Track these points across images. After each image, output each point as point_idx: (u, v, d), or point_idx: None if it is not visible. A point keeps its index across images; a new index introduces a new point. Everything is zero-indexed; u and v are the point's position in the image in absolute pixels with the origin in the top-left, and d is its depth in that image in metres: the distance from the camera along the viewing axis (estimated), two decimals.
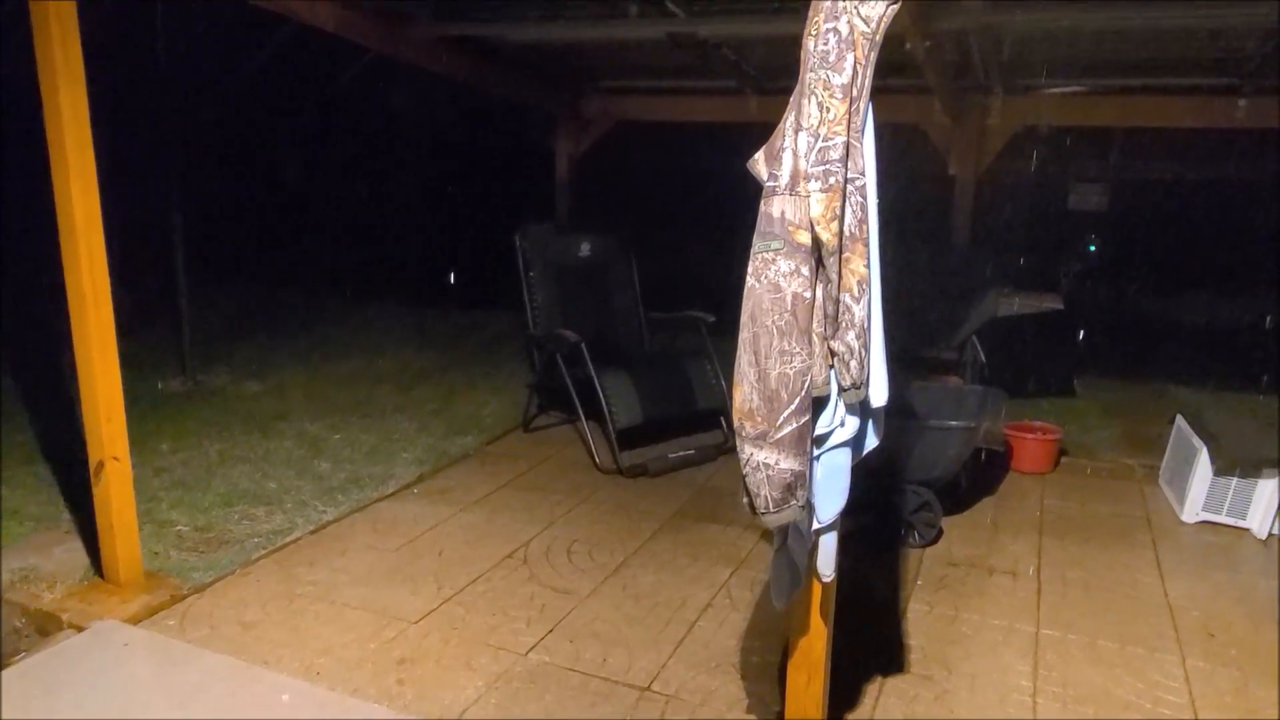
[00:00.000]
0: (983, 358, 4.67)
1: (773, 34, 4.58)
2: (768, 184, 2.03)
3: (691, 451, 4.88)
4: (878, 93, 1.99)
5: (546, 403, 5.56)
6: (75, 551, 3.61)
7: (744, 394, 2.08)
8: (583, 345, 4.69)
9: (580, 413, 4.88)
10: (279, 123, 9.35)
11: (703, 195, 8.60)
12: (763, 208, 2.04)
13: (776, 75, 5.53)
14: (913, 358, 4.55)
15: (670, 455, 4.82)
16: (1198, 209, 8.89)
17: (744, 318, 2.09)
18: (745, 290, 2.09)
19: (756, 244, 2.04)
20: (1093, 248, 9.52)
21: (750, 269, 2.07)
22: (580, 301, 5.38)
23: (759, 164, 2.10)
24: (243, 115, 8.89)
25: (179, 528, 3.93)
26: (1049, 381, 5.71)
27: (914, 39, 3.30)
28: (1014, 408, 5.07)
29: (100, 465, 3.26)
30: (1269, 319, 8.17)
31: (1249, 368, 6.55)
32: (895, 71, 4.56)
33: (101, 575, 3.38)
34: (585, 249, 5.46)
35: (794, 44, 4.70)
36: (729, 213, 8.18)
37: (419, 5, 4.47)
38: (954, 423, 3.69)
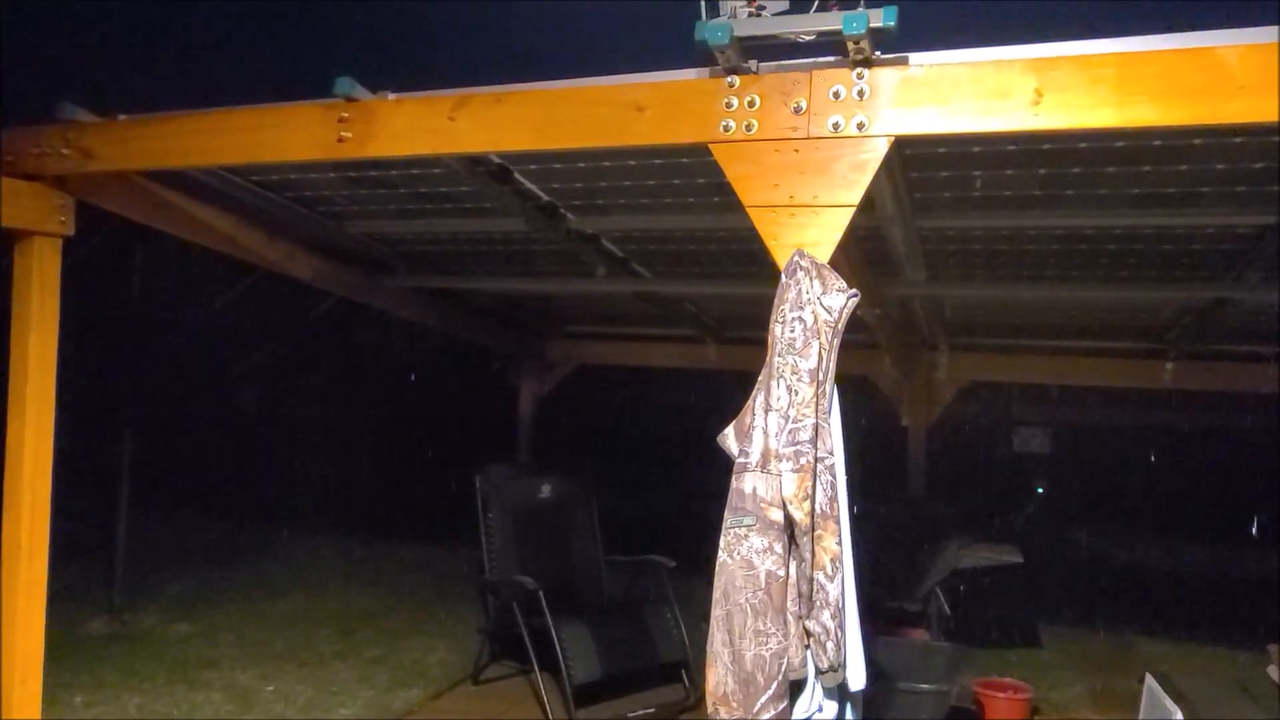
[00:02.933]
0: (947, 610, 4.61)
1: (730, 294, 4.86)
2: (739, 460, 2.07)
3: (652, 710, 4.63)
4: None
5: (499, 651, 5.29)
6: None
7: (718, 676, 2.00)
8: (540, 593, 4.54)
9: (535, 664, 4.64)
10: (242, 355, 9.48)
11: (663, 435, 8.74)
12: (734, 483, 2.06)
13: (735, 325, 5.81)
14: (875, 610, 4.48)
15: (629, 714, 4.56)
16: (1136, 453, 9.23)
17: (716, 594, 2.05)
18: (717, 565, 2.06)
19: (728, 519, 2.05)
20: (1040, 490, 9.73)
21: (722, 544, 2.06)
22: (539, 544, 5.28)
23: (729, 439, 2.15)
24: (207, 347, 9.01)
25: None
26: (1014, 632, 5.62)
27: (863, 306, 3.52)
28: (981, 661, 4.93)
29: None
30: (1218, 565, 8.29)
31: (1205, 615, 6.55)
32: (847, 329, 4.82)
33: None
34: (546, 490, 5.43)
35: (751, 301, 4.95)
36: (689, 454, 8.31)
37: (395, 259, 4.70)
38: (925, 685, 3.57)
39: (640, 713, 4.58)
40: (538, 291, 5.23)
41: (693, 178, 3.15)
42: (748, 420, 2.10)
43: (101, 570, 6.26)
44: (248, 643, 5.63)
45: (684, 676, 4.92)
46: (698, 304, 5.32)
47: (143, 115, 2.87)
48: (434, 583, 7.38)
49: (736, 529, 2.01)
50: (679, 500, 8.16)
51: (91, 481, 6.51)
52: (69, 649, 5.30)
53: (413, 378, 9.63)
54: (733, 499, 2.05)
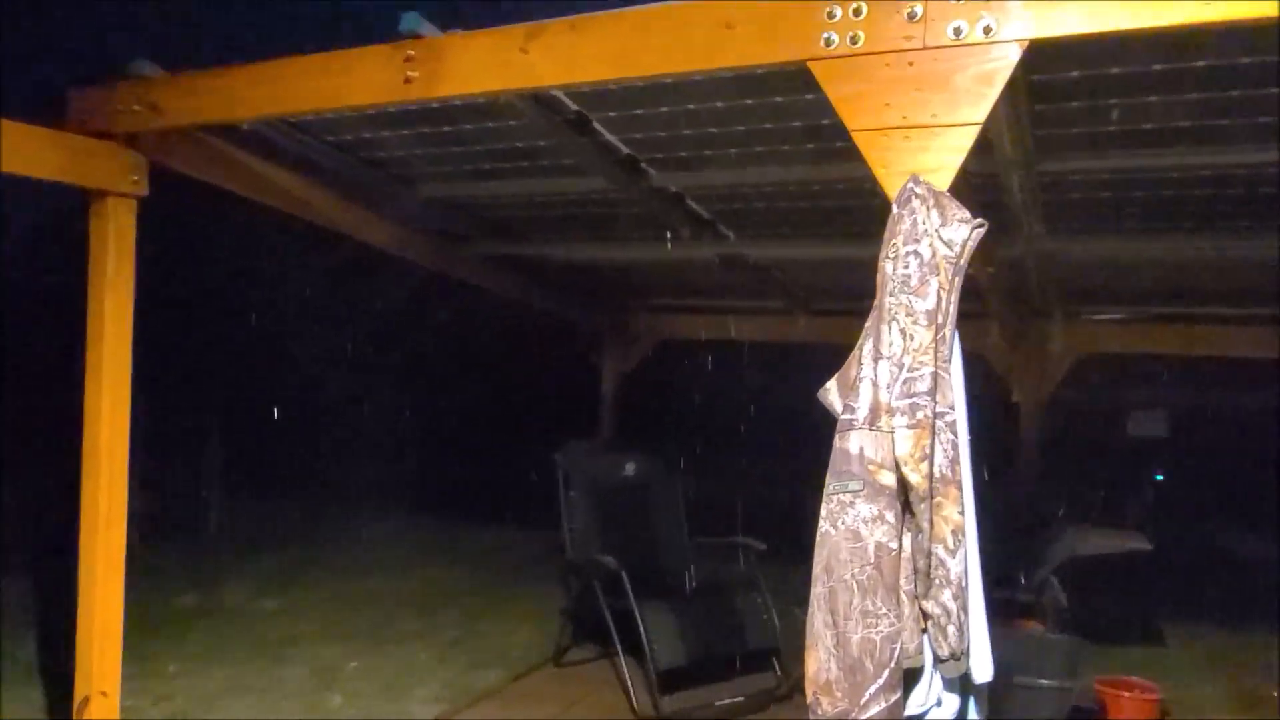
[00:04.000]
0: (1063, 601, 4.24)
1: (822, 257, 4.56)
2: (843, 417, 1.81)
3: (741, 698, 4.39)
4: None
5: (581, 634, 5.13)
6: None
7: (819, 662, 1.75)
8: (623, 573, 4.36)
9: (618, 647, 4.47)
10: (328, 333, 9.59)
11: (752, 414, 8.45)
12: (837, 443, 1.81)
13: (825, 296, 5.49)
14: (986, 599, 4.12)
15: (717, 703, 4.33)
16: (1264, 439, 8.51)
17: (817, 569, 1.80)
18: (818, 537, 1.81)
19: (831, 484, 1.79)
20: (1159, 477, 9.07)
21: (823, 512, 1.80)
22: (621, 524, 5.10)
23: (831, 394, 1.89)
24: (292, 326, 9.13)
25: None
26: (1135, 627, 5.17)
27: (975, 264, 3.20)
28: (1101, 659, 4.53)
29: (85, 701, 2.93)
30: None
31: None
32: None
33: None
34: (629, 469, 5.24)
35: (844, 266, 4.59)
36: (780, 433, 8.01)
37: (470, 226, 4.55)
38: (1045, 681, 3.23)
39: (728, 701, 4.35)
40: (619, 260, 5.01)
41: (787, 120, 2.88)
42: (853, 372, 1.84)
43: (193, 546, 6.38)
44: (330, 620, 5.64)
45: (775, 664, 4.66)
46: (787, 271, 5.02)
47: (208, 68, 2.77)
48: (515, 564, 7.31)
49: (841, 495, 1.76)
50: (768, 480, 7.89)
51: (183, 460, 6.64)
52: (162, 621, 5.40)
53: (494, 356, 9.59)
54: (836, 461, 1.79)
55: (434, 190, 4.00)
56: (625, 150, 3.29)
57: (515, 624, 5.69)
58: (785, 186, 3.57)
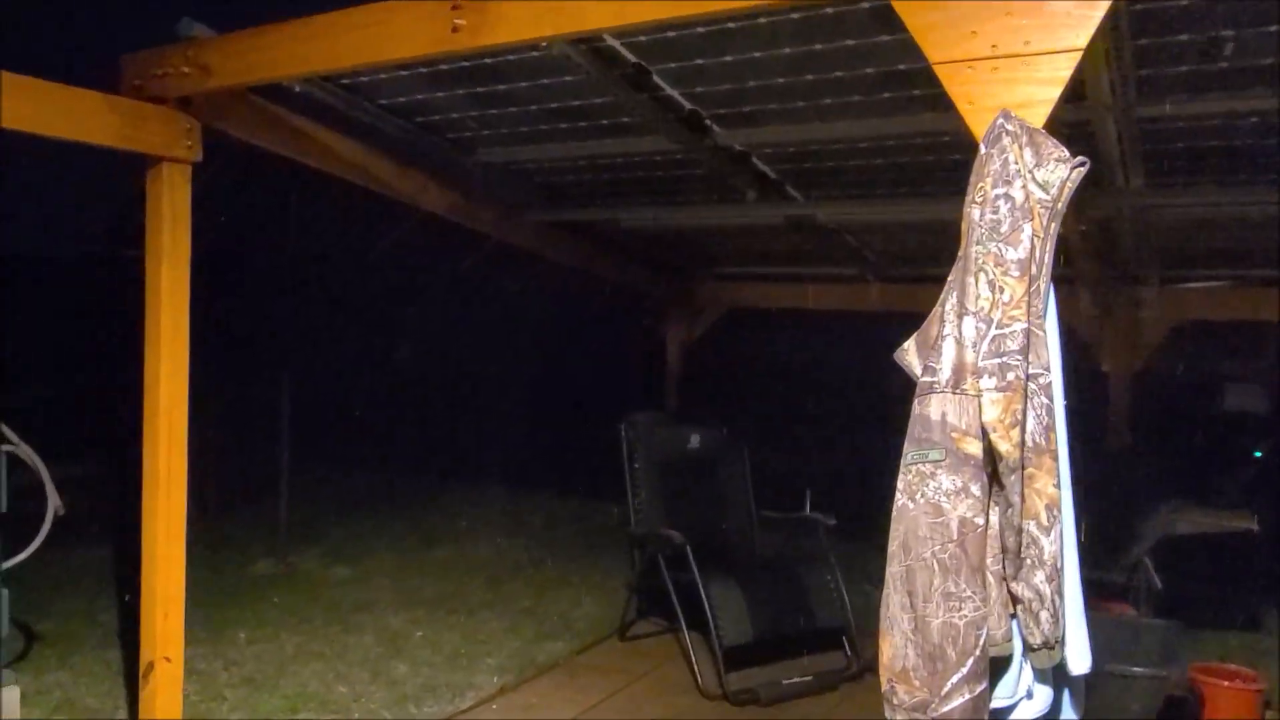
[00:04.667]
0: (1158, 583, 3.97)
1: (897, 219, 4.33)
2: (923, 379, 1.64)
3: (809, 678, 4.25)
4: None
5: (646, 608, 5.06)
6: None
7: (895, 647, 1.60)
8: (689, 548, 4.25)
9: (683, 622, 4.38)
10: (396, 303, 9.65)
11: (821, 386, 8.21)
12: (916, 408, 1.64)
13: (899, 261, 5.25)
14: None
15: (785, 681, 4.20)
16: None
17: (893, 546, 1.65)
18: (894, 511, 1.66)
19: (909, 453, 1.63)
20: (1258, 454, 8.53)
21: (901, 484, 1.64)
22: (687, 498, 4.99)
23: (909, 354, 1.72)
24: (361, 295, 9.21)
25: None
26: (1234, 612, 4.85)
27: (1066, 221, 2.96)
28: (1197, 645, 4.26)
29: (150, 666, 2.96)
30: None
31: None
32: None
33: None
34: (694, 441, 5.12)
35: (920, 229, 4.34)
36: (850, 405, 7.77)
37: (529, 191, 4.46)
38: (1137, 669, 3.01)
39: (797, 680, 4.22)
40: (683, 226, 4.86)
41: (860, 66, 2.68)
42: (934, 331, 1.67)
43: (268, 515, 6.49)
44: (400, 589, 5.67)
45: (845, 644, 4.51)
46: (858, 235, 4.79)
47: (256, 26, 2.70)
48: (582, 535, 7.27)
49: (920, 465, 1.60)
50: (836, 453, 7.66)
51: (258, 430, 6.75)
52: (237, 587, 5.50)
53: (558, 326, 9.53)
54: (914, 428, 1.63)
55: (491, 155, 3.91)
56: (687, 106, 3.14)
57: (580, 596, 5.64)
58: (856, 142, 3.37)
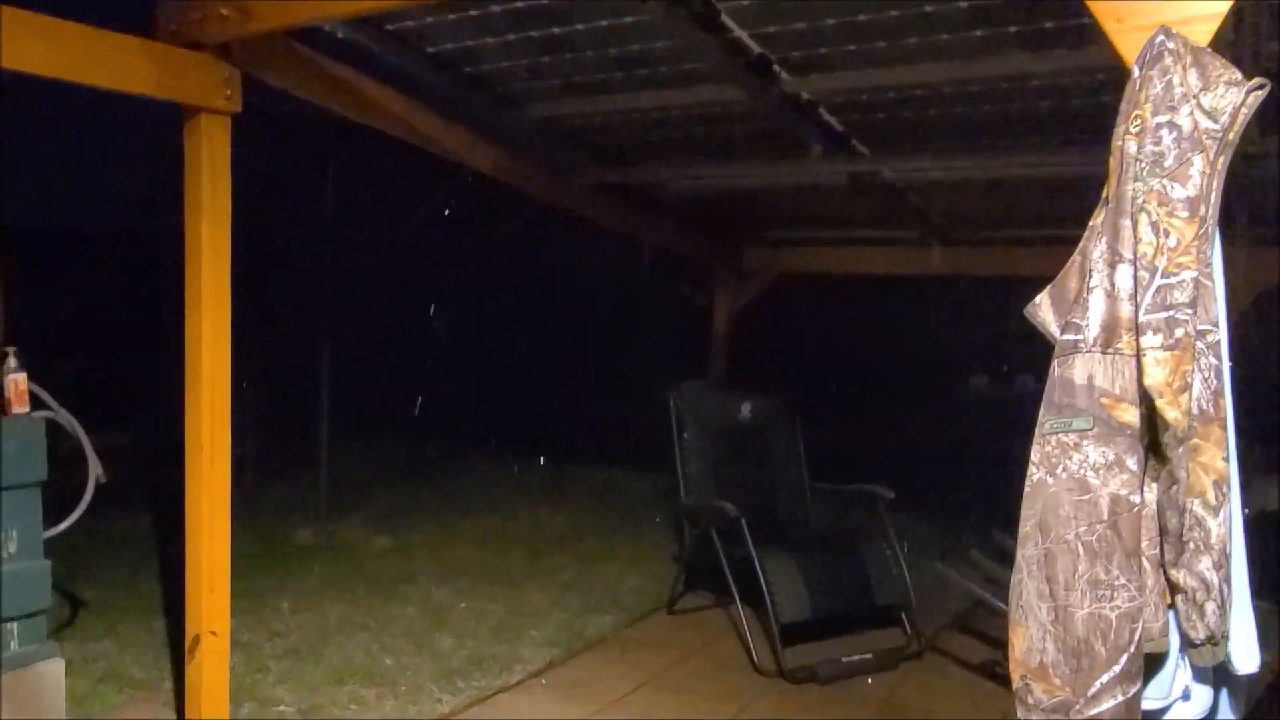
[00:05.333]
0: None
1: (969, 177, 4.07)
2: (1064, 338, 1.44)
3: (869, 656, 4.09)
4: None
5: (695, 580, 4.91)
6: None
7: (1030, 641, 1.41)
8: (742, 521, 4.09)
9: (736, 598, 4.23)
10: (435, 271, 9.52)
11: (876, 355, 7.96)
12: (1057, 370, 1.44)
13: (967, 224, 4.97)
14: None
15: (843, 659, 4.05)
16: None
17: (1026, 526, 1.45)
18: (1029, 486, 1.46)
19: (1048, 421, 1.43)
20: None
21: (1036, 455, 1.45)
22: (738, 469, 4.83)
23: (1043, 310, 1.51)
24: (400, 263, 9.09)
25: (281, 708, 3.51)
26: None
27: None
28: None
29: (196, 640, 2.86)
30: None
31: None
32: None
33: None
34: (745, 411, 4.94)
35: (995, 189, 4.04)
36: (909, 375, 7.52)
37: (578, 151, 4.26)
38: None
39: (856, 658, 4.06)
40: (736, 186, 4.64)
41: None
42: (1074, 283, 1.46)
43: (309, 485, 6.42)
44: (443, 560, 5.58)
45: (904, 621, 4.34)
46: (924, 194, 4.54)
47: None
48: (625, 507, 7.14)
49: (1062, 435, 1.40)
50: (895, 425, 7.43)
51: (292, 399, 6.66)
52: (280, 557, 5.44)
53: (603, 292, 9.35)
54: (1055, 392, 1.43)
55: (540, 110, 3.71)
56: (757, 49, 2.92)
57: (626, 568, 5.51)
58: (938, 88, 3.12)
